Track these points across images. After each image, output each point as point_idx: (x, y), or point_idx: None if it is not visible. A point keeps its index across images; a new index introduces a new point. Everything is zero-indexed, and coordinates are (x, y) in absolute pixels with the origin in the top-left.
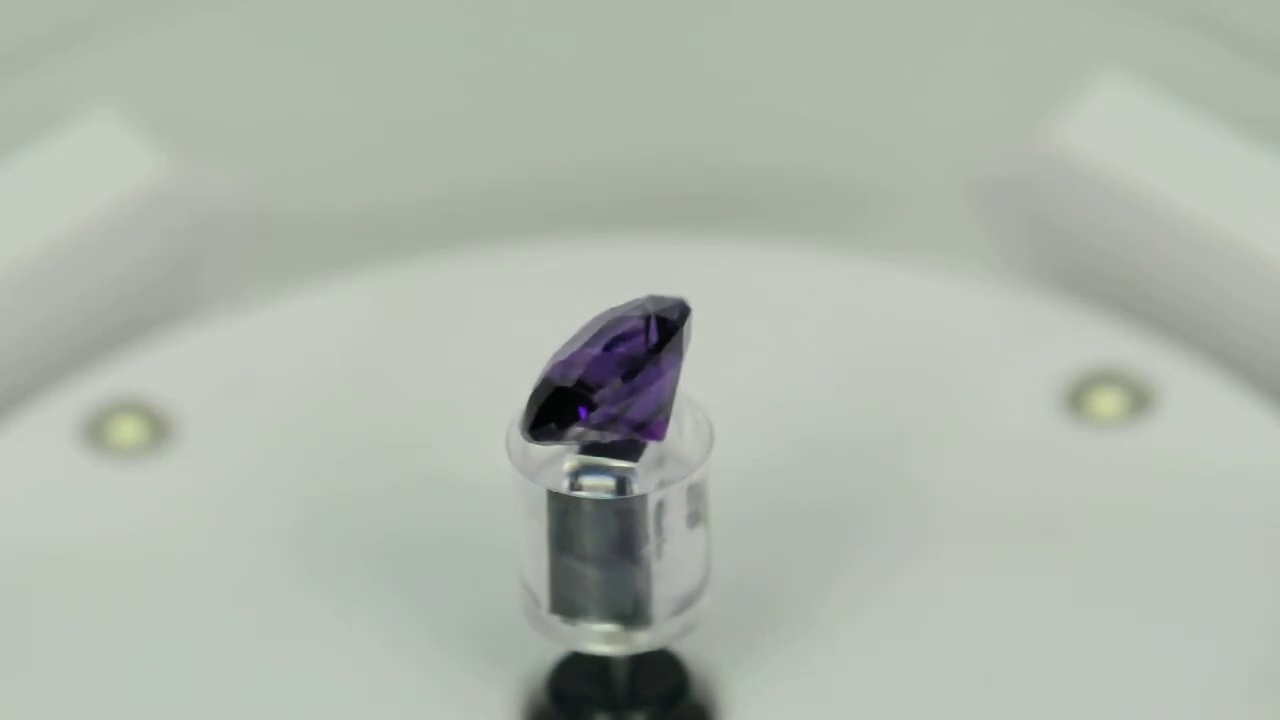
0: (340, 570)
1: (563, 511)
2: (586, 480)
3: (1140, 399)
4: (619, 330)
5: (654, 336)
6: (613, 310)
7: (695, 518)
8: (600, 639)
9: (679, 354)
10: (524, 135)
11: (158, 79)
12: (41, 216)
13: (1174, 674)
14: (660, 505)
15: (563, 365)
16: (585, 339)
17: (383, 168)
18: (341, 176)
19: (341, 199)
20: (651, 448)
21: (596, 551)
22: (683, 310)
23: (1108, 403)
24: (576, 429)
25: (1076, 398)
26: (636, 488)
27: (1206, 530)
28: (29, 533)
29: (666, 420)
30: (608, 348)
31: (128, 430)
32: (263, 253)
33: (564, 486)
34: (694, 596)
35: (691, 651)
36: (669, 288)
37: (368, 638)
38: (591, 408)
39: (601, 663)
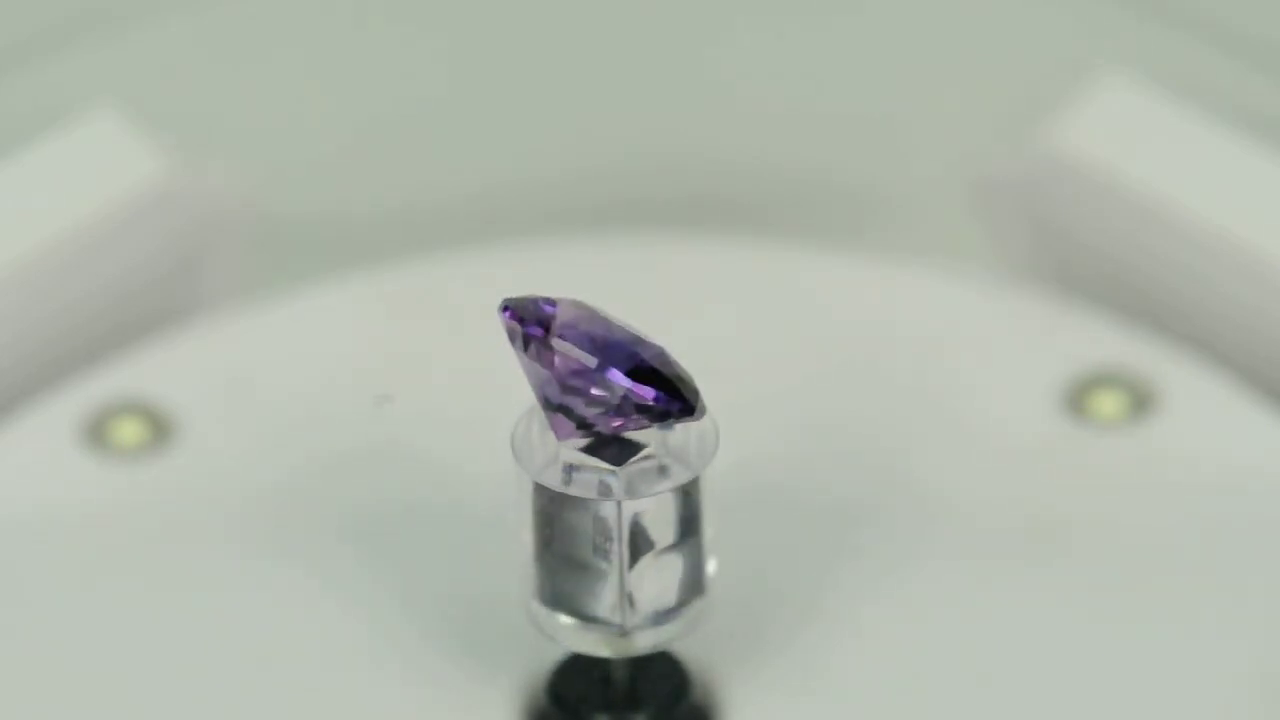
0: (340, 571)
1: (557, 509)
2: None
3: (1141, 400)
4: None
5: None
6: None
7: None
8: (599, 640)
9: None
10: (524, 135)
11: (158, 79)
12: (42, 216)
13: (1175, 675)
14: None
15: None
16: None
17: (383, 168)
18: (342, 176)
19: (342, 199)
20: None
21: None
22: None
23: (1108, 403)
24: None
25: (1077, 398)
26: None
27: (1208, 530)
28: (29, 532)
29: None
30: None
31: (128, 430)
32: (263, 253)
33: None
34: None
35: (691, 653)
36: (669, 288)
37: (368, 639)
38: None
39: (602, 664)
